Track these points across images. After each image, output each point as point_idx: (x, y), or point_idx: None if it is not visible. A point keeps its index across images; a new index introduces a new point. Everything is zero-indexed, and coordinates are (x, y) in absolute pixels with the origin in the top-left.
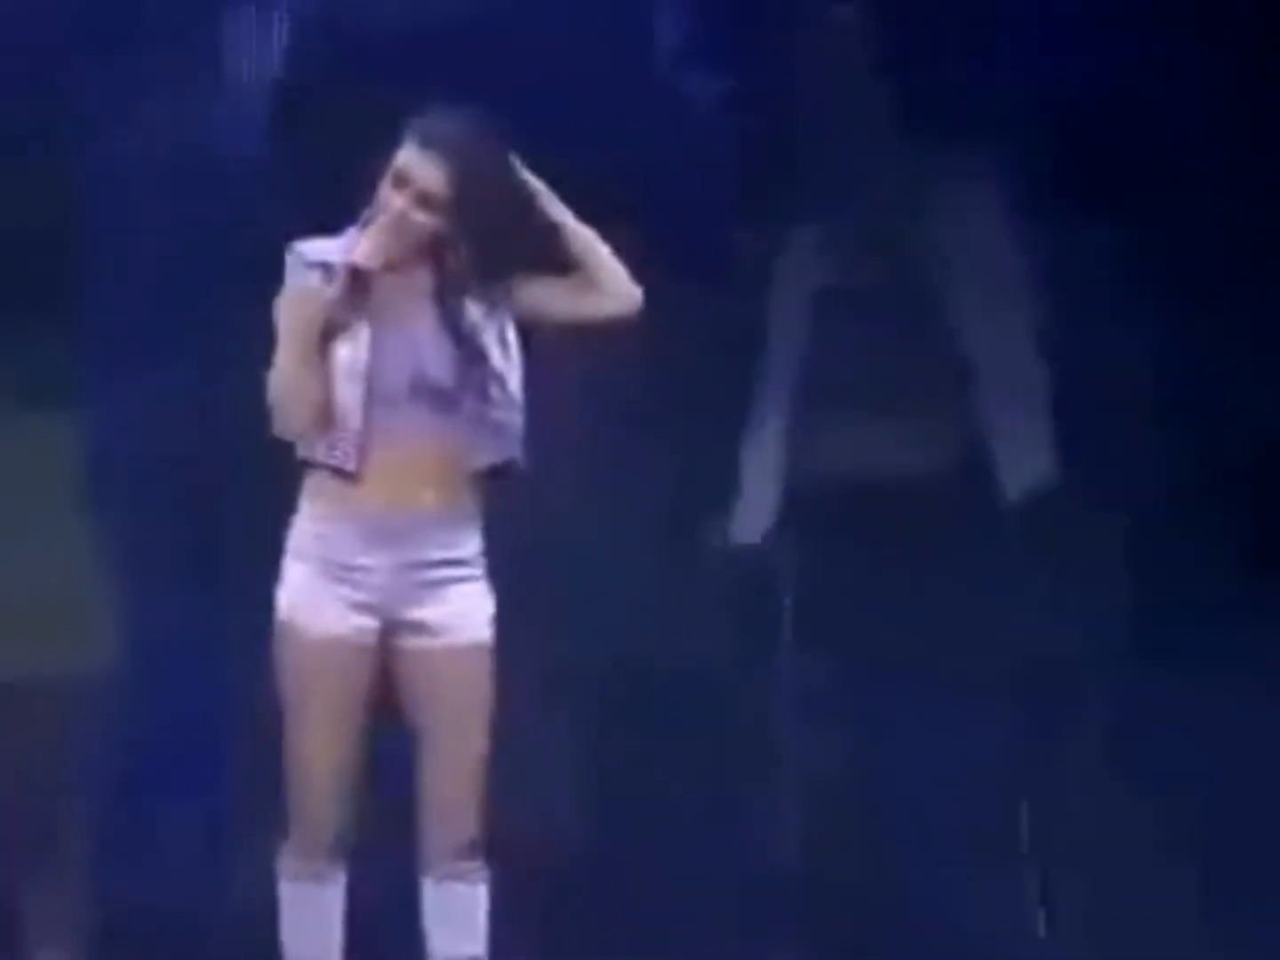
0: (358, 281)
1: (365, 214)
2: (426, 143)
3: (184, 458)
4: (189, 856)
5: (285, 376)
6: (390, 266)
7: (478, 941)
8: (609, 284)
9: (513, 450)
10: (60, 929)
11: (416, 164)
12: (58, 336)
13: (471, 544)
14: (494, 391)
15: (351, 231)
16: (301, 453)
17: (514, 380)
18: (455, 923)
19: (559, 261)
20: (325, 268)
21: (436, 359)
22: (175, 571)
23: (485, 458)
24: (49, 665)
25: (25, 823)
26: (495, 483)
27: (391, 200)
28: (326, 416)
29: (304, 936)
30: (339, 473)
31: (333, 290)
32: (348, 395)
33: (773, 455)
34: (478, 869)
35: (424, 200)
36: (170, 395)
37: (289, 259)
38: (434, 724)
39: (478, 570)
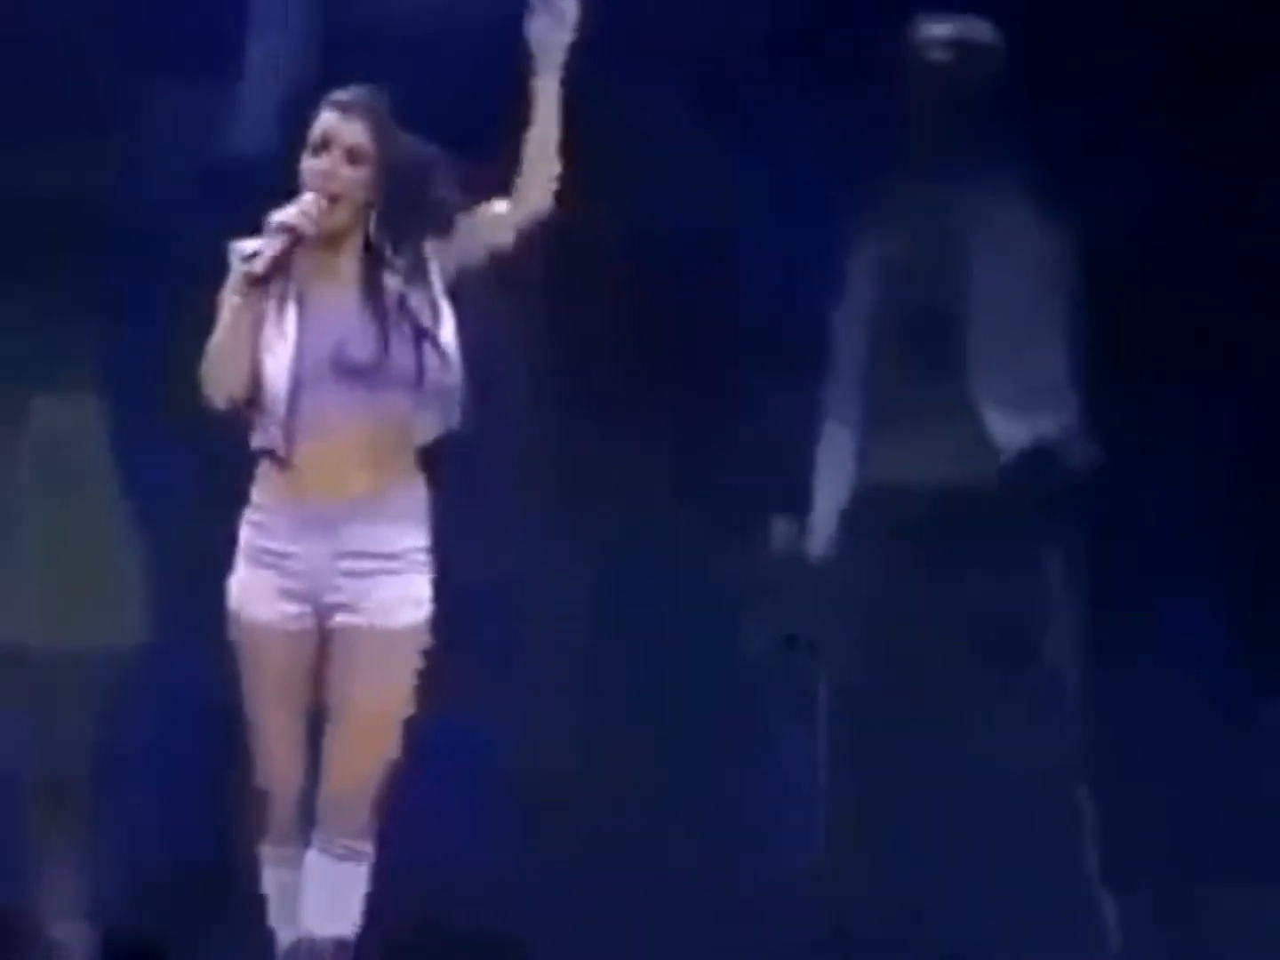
0: (292, 244)
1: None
2: (346, 107)
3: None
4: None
5: (213, 348)
6: (322, 235)
7: (348, 922)
8: (536, 190)
9: (453, 419)
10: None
11: (339, 124)
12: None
13: (407, 538)
14: (430, 361)
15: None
16: (253, 443)
17: (448, 347)
18: (330, 900)
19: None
20: (256, 255)
21: (360, 338)
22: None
23: (428, 431)
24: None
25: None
26: (439, 456)
27: (317, 165)
28: (252, 393)
29: (290, 918)
30: (275, 459)
31: (268, 251)
32: (278, 381)
33: (842, 462)
34: (363, 850)
35: (351, 156)
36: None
37: (230, 256)
38: (341, 701)
39: (412, 563)
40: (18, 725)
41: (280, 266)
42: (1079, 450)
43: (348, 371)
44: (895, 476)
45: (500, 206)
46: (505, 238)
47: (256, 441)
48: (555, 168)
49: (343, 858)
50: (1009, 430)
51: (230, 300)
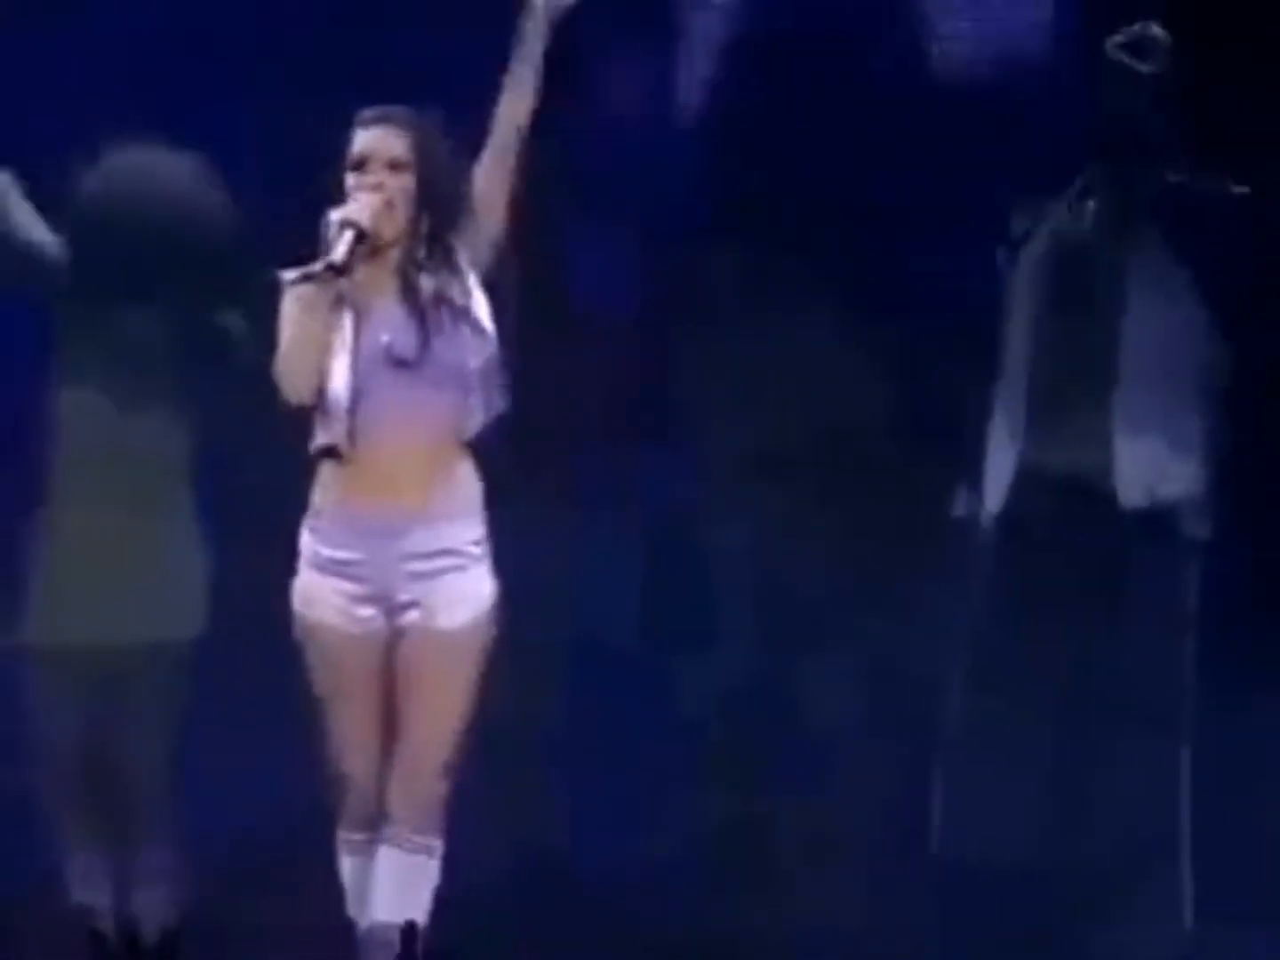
0: (358, 238)
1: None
2: (378, 121)
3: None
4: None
5: (287, 352)
6: (376, 237)
7: (417, 912)
8: (507, 120)
9: (496, 402)
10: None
11: (377, 139)
12: None
13: (467, 532)
14: (471, 344)
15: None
16: (315, 442)
17: (485, 327)
18: (398, 890)
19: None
20: (308, 276)
21: (404, 336)
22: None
23: (477, 417)
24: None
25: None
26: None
27: (360, 180)
28: (321, 393)
29: (359, 904)
30: (337, 457)
31: (341, 246)
32: (339, 381)
33: (1007, 445)
34: (432, 844)
35: (393, 166)
36: None
37: (284, 284)
38: (410, 697)
39: (474, 556)
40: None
41: (353, 260)
42: (1195, 524)
43: (399, 369)
44: (1040, 470)
45: (483, 158)
46: (498, 189)
47: (320, 439)
48: (529, 103)
49: (412, 850)
50: (1134, 483)
51: (296, 304)
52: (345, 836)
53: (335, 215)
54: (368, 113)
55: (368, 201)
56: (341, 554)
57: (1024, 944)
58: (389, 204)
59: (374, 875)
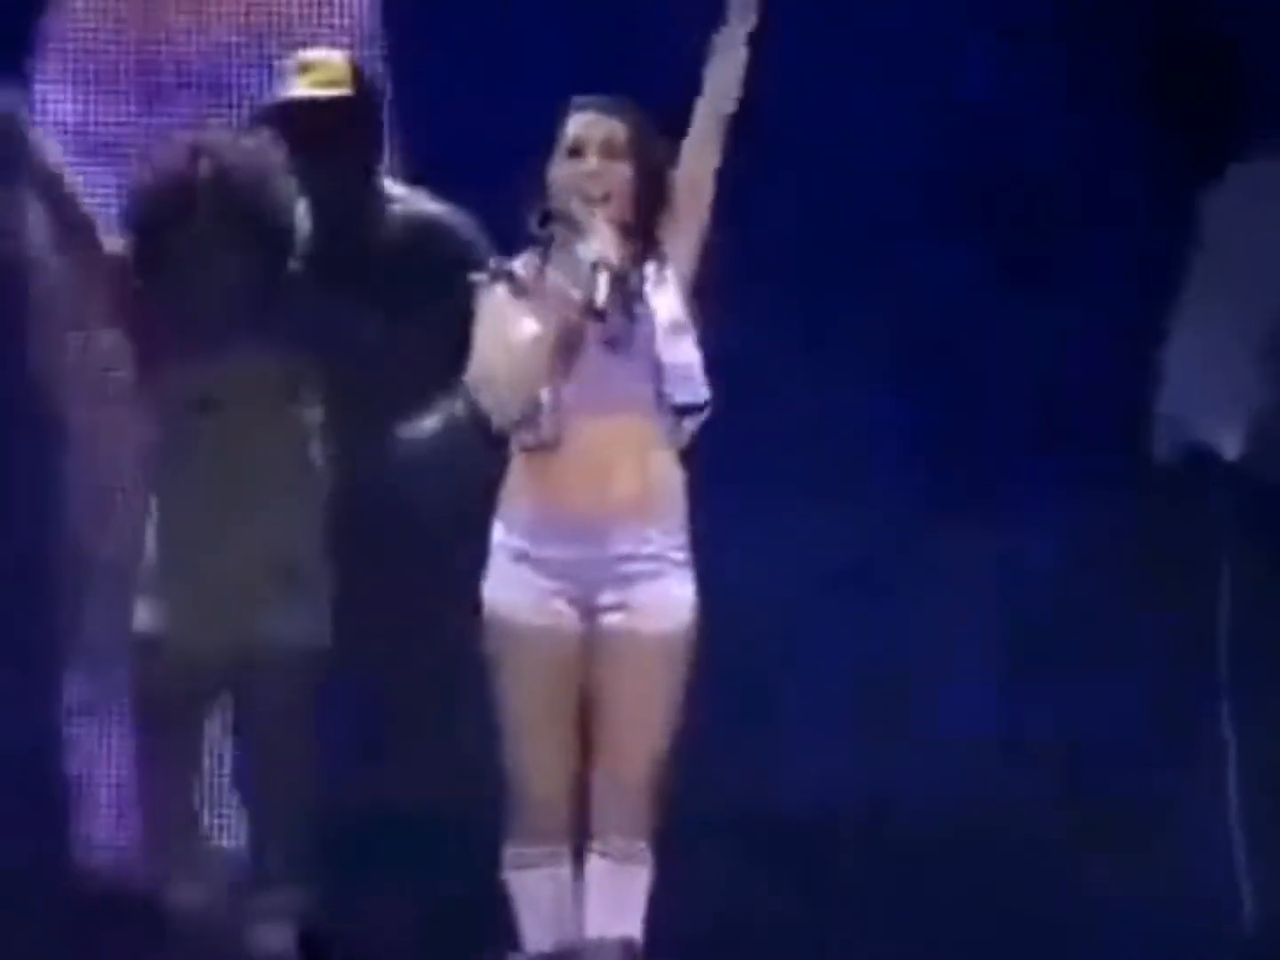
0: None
1: (535, 229)
2: (597, 106)
3: None
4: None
5: (506, 368)
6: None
7: (634, 922)
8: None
9: (700, 393)
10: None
11: (593, 124)
12: None
13: (672, 536)
14: (670, 339)
15: (527, 254)
16: (518, 440)
17: (682, 325)
18: (613, 901)
19: None
20: (509, 276)
21: (608, 327)
22: None
23: (677, 421)
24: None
25: None
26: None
27: (579, 168)
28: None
29: (540, 923)
30: (542, 453)
31: (599, 297)
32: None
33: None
34: (641, 851)
35: (610, 150)
36: None
37: (497, 272)
38: (611, 702)
39: (677, 561)
40: None
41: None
42: None
43: (604, 361)
44: None
45: (695, 121)
46: (706, 171)
47: (523, 437)
48: (742, 59)
49: (623, 860)
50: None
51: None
52: (519, 851)
53: (586, 256)
54: (581, 99)
55: (609, 237)
56: (545, 552)
57: None
58: (605, 199)
59: (587, 890)
